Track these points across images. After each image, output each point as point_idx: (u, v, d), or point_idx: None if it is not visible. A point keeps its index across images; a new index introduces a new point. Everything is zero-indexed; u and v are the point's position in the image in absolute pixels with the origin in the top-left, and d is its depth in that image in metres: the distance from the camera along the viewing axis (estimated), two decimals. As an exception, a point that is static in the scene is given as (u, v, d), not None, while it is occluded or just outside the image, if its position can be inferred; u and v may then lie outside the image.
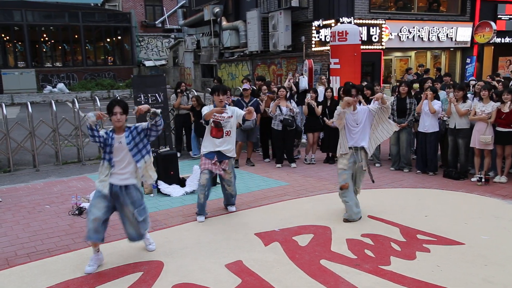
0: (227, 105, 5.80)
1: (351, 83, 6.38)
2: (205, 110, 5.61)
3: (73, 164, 9.36)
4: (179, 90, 9.67)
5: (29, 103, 9.50)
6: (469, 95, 7.95)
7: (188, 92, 10.08)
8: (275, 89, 9.27)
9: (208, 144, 5.64)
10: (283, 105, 8.45)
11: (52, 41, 28.33)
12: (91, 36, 28.64)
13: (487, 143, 7.07)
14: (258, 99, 8.94)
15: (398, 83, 9.57)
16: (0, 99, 21.40)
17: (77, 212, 6.09)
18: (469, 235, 5.05)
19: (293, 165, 8.65)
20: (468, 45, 17.05)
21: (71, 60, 28.49)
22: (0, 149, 8.75)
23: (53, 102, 9.62)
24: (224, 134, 5.61)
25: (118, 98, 4.57)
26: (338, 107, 5.53)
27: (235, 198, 6.09)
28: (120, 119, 4.24)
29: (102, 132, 4.31)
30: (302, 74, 12.33)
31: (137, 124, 4.42)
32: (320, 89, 10.26)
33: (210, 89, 9.22)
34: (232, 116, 5.68)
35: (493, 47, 17.94)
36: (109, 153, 4.30)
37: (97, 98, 10.55)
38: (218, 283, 4.05)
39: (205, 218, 5.74)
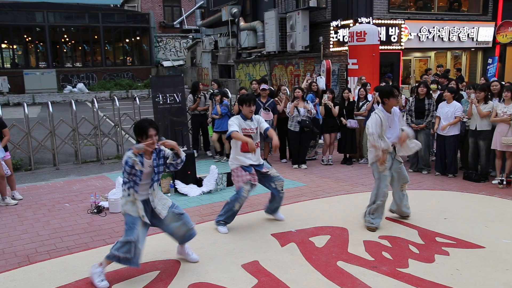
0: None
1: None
2: (233, 125, 5.17)
3: (92, 163, 9.50)
4: (197, 96, 9.40)
5: (49, 103, 9.68)
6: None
7: (205, 92, 10.10)
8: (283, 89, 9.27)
9: (242, 158, 5.27)
10: (300, 106, 8.42)
11: (73, 41, 28.83)
12: (110, 36, 29.03)
13: (509, 145, 6.92)
14: (274, 100, 8.93)
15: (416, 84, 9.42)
16: (22, 99, 21.92)
17: (95, 210, 6.18)
18: (489, 238, 4.95)
19: (303, 166, 8.60)
20: (490, 45, 16.69)
21: (91, 61, 28.93)
22: (21, 148, 8.93)
23: (73, 101, 9.78)
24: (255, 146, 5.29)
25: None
26: (377, 152, 5.13)
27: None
28: (156, 142, 4.02)
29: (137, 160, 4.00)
30: (319, 75, 12.25)
31: (163, 148, 4.18)
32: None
33: (215, 92, 9.03)
34: (257, 127, 5.38)
35: (516, 47, 17.56)
36: (139, 178, 4.04)
37: (115, 98, 10.69)
38: (234, 283, 4.06)
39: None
